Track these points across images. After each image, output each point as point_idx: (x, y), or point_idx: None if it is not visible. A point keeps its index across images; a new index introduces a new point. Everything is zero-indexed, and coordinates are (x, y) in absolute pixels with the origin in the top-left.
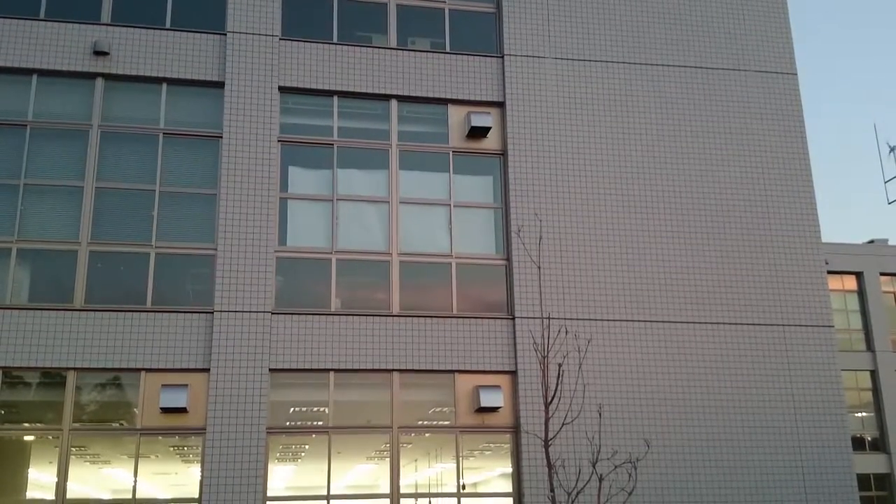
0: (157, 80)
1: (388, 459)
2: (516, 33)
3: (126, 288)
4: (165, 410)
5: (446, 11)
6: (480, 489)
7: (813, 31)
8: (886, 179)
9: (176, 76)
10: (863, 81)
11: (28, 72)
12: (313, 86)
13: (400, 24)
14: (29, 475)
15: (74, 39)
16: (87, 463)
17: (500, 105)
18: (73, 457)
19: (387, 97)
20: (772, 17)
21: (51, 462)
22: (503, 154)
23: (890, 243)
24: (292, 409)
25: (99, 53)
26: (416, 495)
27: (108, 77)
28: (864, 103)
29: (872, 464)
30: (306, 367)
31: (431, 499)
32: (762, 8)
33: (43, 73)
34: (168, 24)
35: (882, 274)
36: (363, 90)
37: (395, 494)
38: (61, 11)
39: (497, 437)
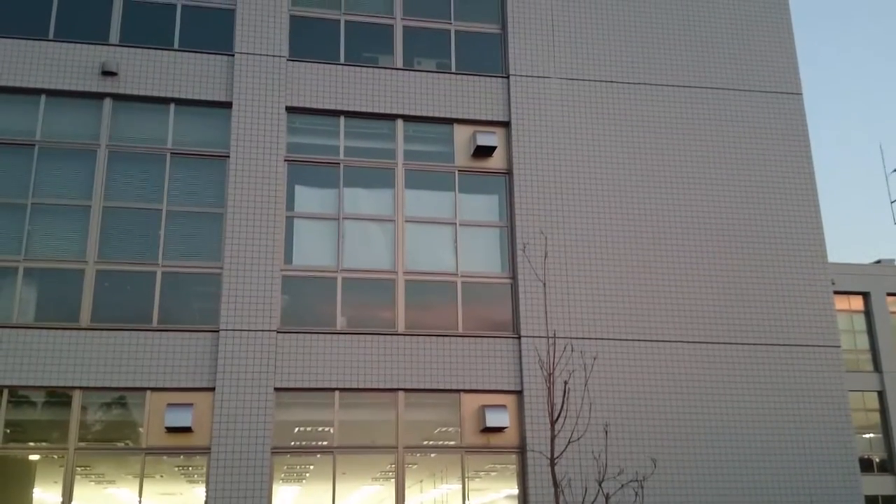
0: (165, 101)
1: (393, 480)
2: (522, 54)
3: (132, 307)
4: (170, 430)
5: (452, 32)
6: None
7: (818, 52)
8: (892, 200)
9: (184, 96)
10: (868, 102)
11: (37, 91)
12: (320, 106)
13: (406, 45)
14: (34, 495)
15: (83, 60)
16: (93, 482)
17: (506, 125)
18: (78, 476)
19: (393, 117)
20: (777, 38)
21: (56, 481)
22: (509, 173)
23: None
24: (297, 429)
25: (107, 74)
26: None
27: (116, 97)
28: (871, 124)
29: (881, 485)
30: (311, 386)
31: None
32: (767, 28)
33: (51, 92)
34: (176, 45)
35: (889, 294)
36: (369, 110)
37: None
38: (70, 32)
39: (503, 458)
